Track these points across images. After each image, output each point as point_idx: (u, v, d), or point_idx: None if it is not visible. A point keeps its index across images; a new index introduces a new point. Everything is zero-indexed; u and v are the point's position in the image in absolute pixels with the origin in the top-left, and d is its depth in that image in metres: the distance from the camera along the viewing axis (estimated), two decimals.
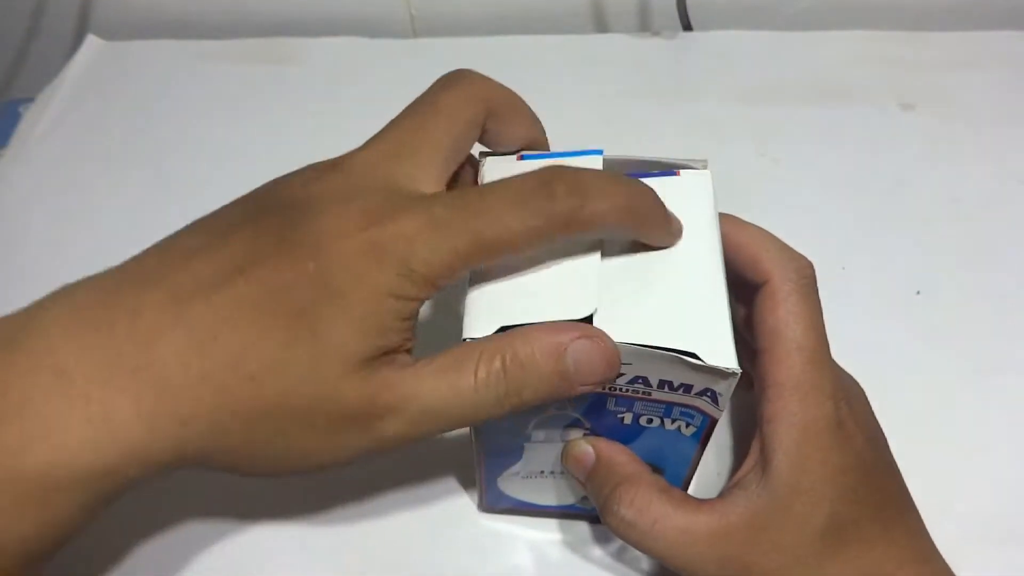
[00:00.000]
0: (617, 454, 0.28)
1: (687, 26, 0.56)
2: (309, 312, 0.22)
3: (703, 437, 0.27)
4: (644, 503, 0.27)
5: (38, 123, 0.52)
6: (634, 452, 0.29)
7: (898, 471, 0.29)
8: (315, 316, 0.22)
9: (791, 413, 0.26)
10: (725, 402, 0.25)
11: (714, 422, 0.26)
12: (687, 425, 0.27)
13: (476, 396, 0.23)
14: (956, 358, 0.39)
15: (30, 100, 0.54)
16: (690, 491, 0.32)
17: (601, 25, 0.60)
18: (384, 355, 0.23)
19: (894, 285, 0.42)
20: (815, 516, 0.25)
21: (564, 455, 0.29)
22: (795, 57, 0.54)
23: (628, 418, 0.27)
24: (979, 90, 0.51)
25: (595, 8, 0.59)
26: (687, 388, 0.25)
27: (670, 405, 0.26)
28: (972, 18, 0.57)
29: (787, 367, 0.26)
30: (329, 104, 0.53)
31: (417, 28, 0.60)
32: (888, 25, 0.55)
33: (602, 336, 0.23)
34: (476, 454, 0.30)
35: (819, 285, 0.28)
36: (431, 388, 0.23)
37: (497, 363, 0.23)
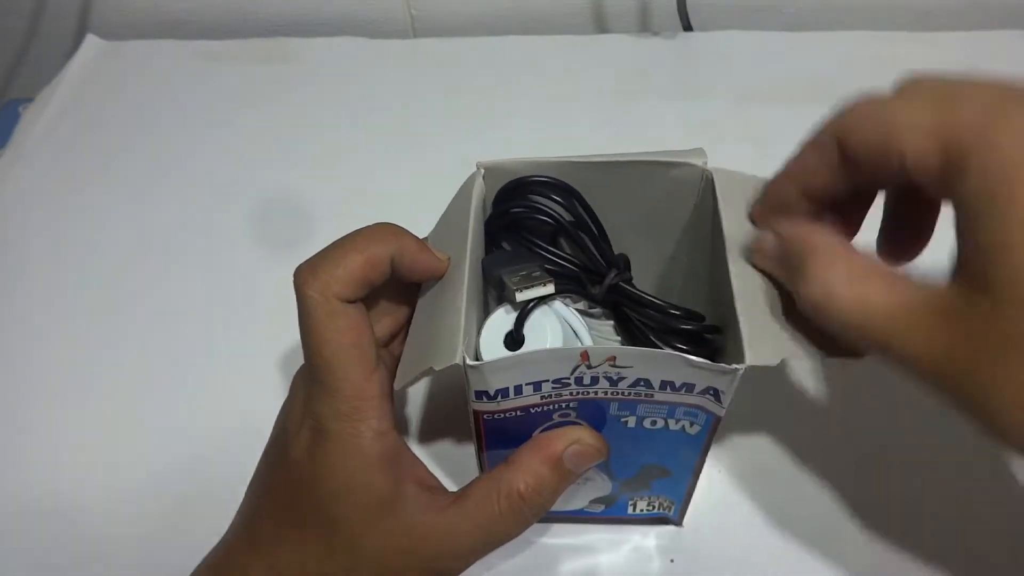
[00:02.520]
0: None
1: (687, 26, 0.56)
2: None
3: (708, 436, 0.27)
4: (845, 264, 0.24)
5: (38, 123, 0.52)
6: (639, 455, 0.29)
7: None
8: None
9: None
10: (728, 399, 0.25)
11: (718, 420, 0.26)
12: (691, 424, 0.27)
13: (506, 526, 0.27)
14: None
15: (30, 100, 0.54)
16: (694, 496, 0.32)
17: (601, 25, 0.60)
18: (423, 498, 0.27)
19: None
20: None
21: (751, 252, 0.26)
22: (795, 57, 0.54)
23: (632, 421, 0.27)
24: None
25: (595, 8, 0.59)
26: (689, 387, 0.25)
27: (673, 406, 0.26)
28: (972, 18, 0.57)
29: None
30: (329, 104, 0.53)
31: (417, 28, 0.60)
32: (888, 25, 0.55)
33: (584, 436, 0.27)
34: (481, 464, 0.30)
35: None
36: (467, 532, 0.26)
37: (515, 494, 0.26)
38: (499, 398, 0.25)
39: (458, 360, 0.24)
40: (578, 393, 0.25)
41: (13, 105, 0.55)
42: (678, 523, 0.34)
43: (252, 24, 0.60)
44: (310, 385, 0.27)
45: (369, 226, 0.28)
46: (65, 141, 0.51)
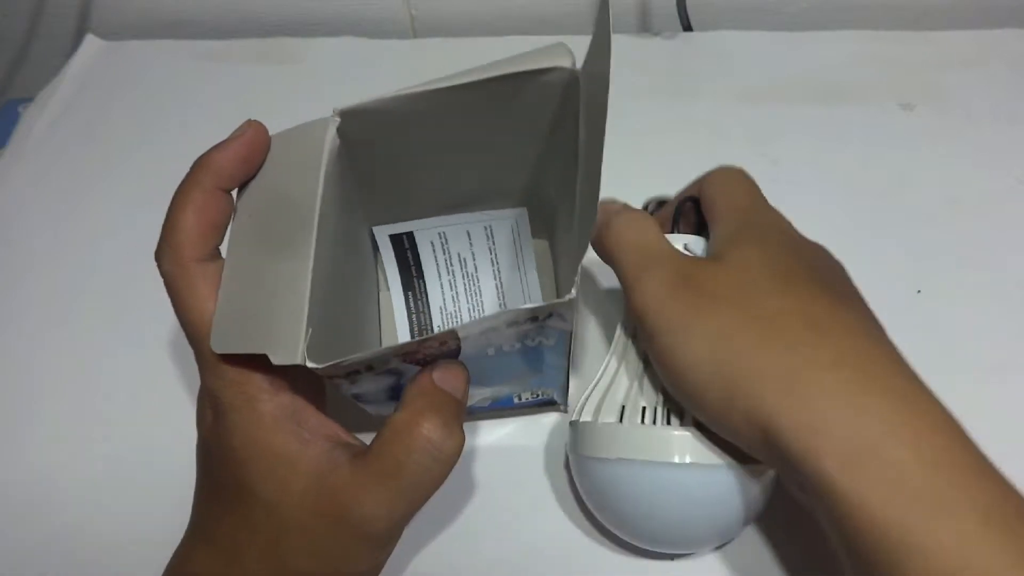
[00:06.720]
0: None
1: (687, 26, 0.56)
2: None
3: (566, 344, 0.28)
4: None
5: (38, 123, 0.52)
6: (508, 371, 0.30)
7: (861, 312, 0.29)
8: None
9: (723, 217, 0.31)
10: (572, 316, 0.25)
11: (570, 334, 0.27)
12: (547, 339, 0.27)
13: (414, 468, 0.25)
14: (956, 358, 0.39)
15: (30, 100, 0.54)
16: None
17: None
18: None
19: (894, 285, 0.42)
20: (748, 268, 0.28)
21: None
22: (795, 57, 0.54)
23: (492, 350, 0.27)
24: (979, 90, 0.51)
25: (595, 8, 0.59)
26: (533, 319, 0.25)
27: (524, 332, 0.26)
28: (972, 17, 0.57)
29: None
30: (329, 104, 0.52)
31: (417, 28, 0.60)
32: (888, 25, 0.55)
33: (437, 364, 0.26)
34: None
35: None
36: (378, 482, 0.25)
37: (408, 429, 0.25)
38: (349, 379, 0.26)
39: (299, 360, 0.23)
40: (430, 354, 0.26)
41: (13, 105, 0.55)
42: (564, 408, 0.36)
43: (252, 24, 0.60)
44: (197, 362, 0.26)
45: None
46: (65, 141, 0.51)
